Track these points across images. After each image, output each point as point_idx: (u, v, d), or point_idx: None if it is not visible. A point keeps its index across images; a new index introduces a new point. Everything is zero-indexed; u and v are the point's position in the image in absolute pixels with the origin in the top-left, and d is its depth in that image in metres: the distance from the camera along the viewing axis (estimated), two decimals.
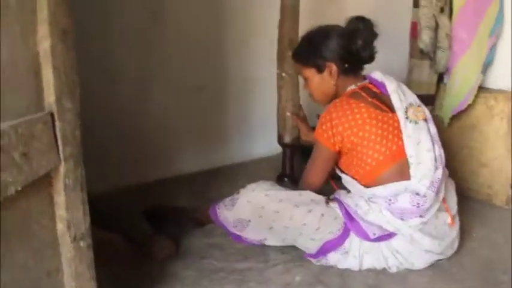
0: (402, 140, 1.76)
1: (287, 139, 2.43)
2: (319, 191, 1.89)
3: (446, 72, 2.53)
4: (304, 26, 2.07)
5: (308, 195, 1.83)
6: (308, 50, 1.92)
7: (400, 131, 1.77)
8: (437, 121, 2.58)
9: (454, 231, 1.86)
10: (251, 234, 1.86)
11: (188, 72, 2.66)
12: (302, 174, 1.97)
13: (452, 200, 1.90)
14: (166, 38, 2.53)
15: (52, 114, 0.99)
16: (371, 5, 2.97)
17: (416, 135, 1.77)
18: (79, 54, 2.18)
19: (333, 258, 1.79)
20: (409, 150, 1.75)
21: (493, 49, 2.38)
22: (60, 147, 1.00)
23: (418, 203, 1.71)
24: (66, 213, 1.03)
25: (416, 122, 1.78)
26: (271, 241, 1.87)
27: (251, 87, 2.92)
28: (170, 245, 1.86)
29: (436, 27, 2.48)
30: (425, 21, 2.46)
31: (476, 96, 2.41)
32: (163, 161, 2.65)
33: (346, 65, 1.86)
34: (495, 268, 1.86)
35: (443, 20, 2.44)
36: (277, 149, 2.64)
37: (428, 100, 2.63)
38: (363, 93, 1.82)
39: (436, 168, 1.76)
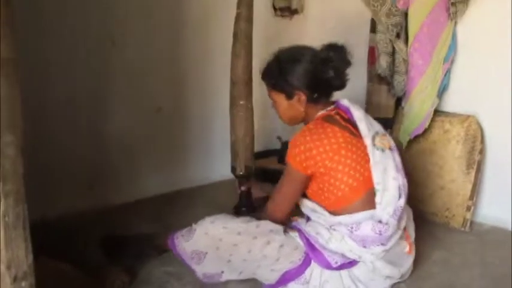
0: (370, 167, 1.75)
1: (240, 171, 2.38)
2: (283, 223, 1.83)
3: (403, 96, 2.57)
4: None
5: (266, 225, 1.78)
6: (277, 74, 1.83)
7: (368, 158, 1.75)
8: (396, 144, 2.62)
9: (411, 258, 1.87)
10: (208, 267, 1.79)
11: (147, 93, 2.63)
12: (267, 203, 1.89)
13: (411, 227, 1.92)
14: (125, 59, 2.51)
15: None
16: (329, 30, 3.02)
17: (383, 162, 1.76)
18: (36, 74, 2.15)
19: None
20: (376, 177, 1.73)
21: (447, 74, 2.45)
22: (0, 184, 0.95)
23: (380, 231, 1.69)
24: (6, 253, 0.98)
25: (383, 150, 1.77)
26: (228, 274, 1.80)
27: (211, 109, 2.90)
28: (124, 276, 1.80)
29: (393, 52, 2.53)
30: (383, 46, 2.50)
31: (433, 120, 2.46)
32: (121, 184, 2.59)
33: (316, 95, 1.81)
34: None
35: (399, 45, 2.50)
36: None
37: (386, 123, 2.67)
38: (337, 117, 1.79)
39: (400, 196, 1.76)
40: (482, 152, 2.38)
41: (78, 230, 2.20)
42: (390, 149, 1.82)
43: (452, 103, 2.52)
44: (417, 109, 2.46)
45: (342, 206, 1.74)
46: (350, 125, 1.79)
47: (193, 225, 1.84)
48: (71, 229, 2.19)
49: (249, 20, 2.27)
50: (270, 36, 2.93)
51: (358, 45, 2.78)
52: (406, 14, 2.44)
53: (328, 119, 1.79)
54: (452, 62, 2.44)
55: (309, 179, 1.77)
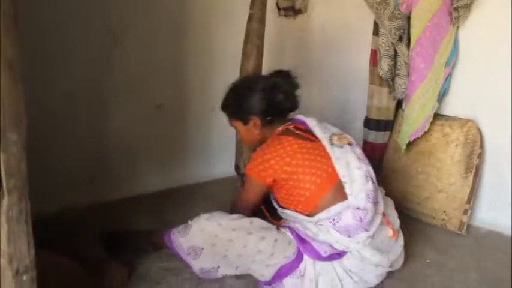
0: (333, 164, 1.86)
1: (244, 169, 2.39)
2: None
3: (404, 98, 2.59)
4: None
5: (259, 222, 1.85)
6: (233, 105, 2.04)
7: (329, 156, 1.86)
8: (396, 146, 2.64)
9: (400, 246, 1.96)
10: (204, 263, 1.84)
11: (148, 90, 2.64)
12: (233, 201, 2.05)
13: (393, 215, 2.02)
14: (126, 56, 2.52)
15: None
16: (332, 30, 3.03)
17: (344, 157, 1.87)
18: (37, 69, 2.16)
19: (289, 283, 1.80)
20: (341, 170, 1.84)
21: (448, 78, 2.46)
22: (4, 180, 0.97)
23: (360, 217, 1.78)
24: (8, 247, 1.00)
25: (341, 146, 1.90)
26: (224, 270, 1.86)
27: (211, 105, 2.91)
28: (122, 271, 1.82)
29: (395, 55, 2.55)
30: (385, 49, 2.52)
31: (433, 123, 2.48)
32: (121, 180, 2.61)
33: (269, 118, 1.97)
34: None
35: (401, 48, 2.51)
36: None
37: (387, 125, 2.69)
38: (292, 129, 1.95)
39: (367, 181, 1.85)
40: (481, 156, 2.39)
41: (78, 225, 2.22)
42: (350, 144, 1.94)
43: (453, 107, 2.54)
44: (417, 113, 2.48)
45: (313, 204, 1.83)
46: (306, 134, 1.94)
47: (189, 222, 1.89)
48: (71, 224, 2.21)
49: (262, 20, 2.30)
50: (273, 35, 2.94)
51: (360, 47, 2.81)
52: (408, 18, 2.45)
53: (283, 132, 1.97)
54: (453, 66, 2.45)
55: (268, 187, 1.92)
